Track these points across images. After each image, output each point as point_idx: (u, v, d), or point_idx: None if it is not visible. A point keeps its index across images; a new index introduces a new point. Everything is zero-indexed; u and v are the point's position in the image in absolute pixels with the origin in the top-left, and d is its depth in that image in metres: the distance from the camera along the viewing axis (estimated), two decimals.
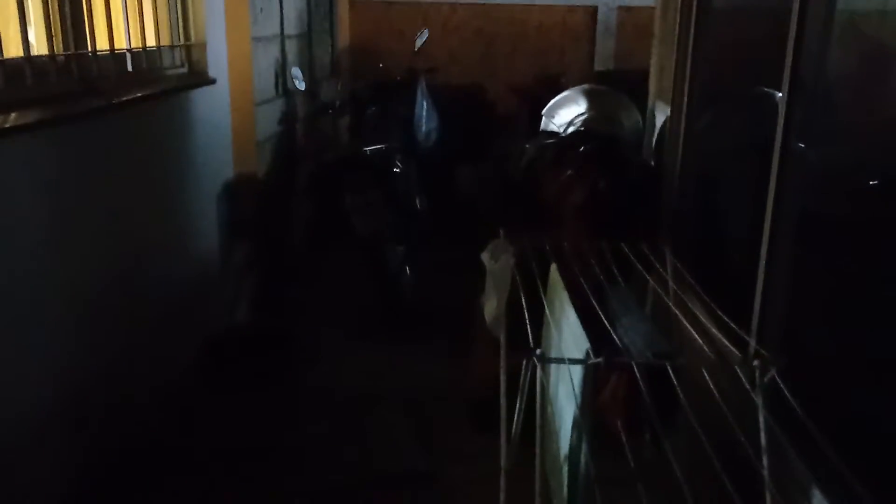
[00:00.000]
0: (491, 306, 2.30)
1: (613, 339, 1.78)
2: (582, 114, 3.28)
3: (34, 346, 2.26)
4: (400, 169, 3.95)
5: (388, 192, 3.96)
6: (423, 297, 4.25)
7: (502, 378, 2.35)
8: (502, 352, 2.38)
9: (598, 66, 6.76)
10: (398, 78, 5.07)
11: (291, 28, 5.11)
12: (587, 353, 1.63)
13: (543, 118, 3.52)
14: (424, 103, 4.97)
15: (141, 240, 2.96)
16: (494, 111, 6.45)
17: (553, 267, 2.28)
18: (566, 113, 3.36)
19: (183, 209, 3.40)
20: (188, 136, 3.39)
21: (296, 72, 4.70)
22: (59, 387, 2.39)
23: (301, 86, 4.69)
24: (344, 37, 6.60)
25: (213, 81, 3.54)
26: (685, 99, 2.94)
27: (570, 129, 3.29)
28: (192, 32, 3.45)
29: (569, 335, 1.87)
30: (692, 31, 2.88)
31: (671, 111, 3.01)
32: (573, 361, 1.62)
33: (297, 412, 3.30)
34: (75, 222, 2.46)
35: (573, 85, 6.20)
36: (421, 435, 3.16)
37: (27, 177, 2.19)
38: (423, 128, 4.96)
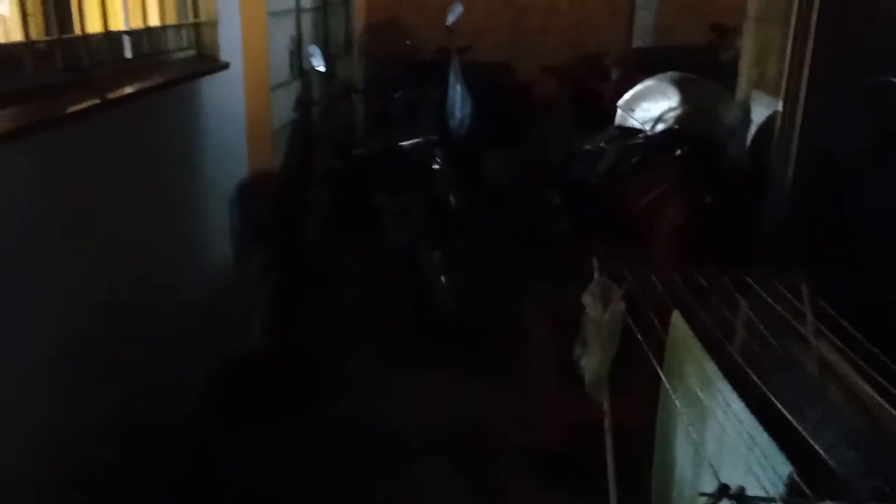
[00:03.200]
0: (592, 364, 1.81)
1: (812, 449, 1.27)
2: (674, 108, 2.74)
3: (14, 393, 1.76)
4: (439, 166, 3.43)
5: (426, 193, 3.44)
6: (463, 307, 3.75)
7: (610, 462, 1.87)
8: (606, 422, 1.90)
9: (636, 43, 6.19)
10: (427, 58, 4.52)
11: (307, 0, 4.55)
12: (791, 481, 1.14)
13: (619, 112, 2.98)
14: (458, 87, 4.43)
15: (143, 256, 2.45)
16: (527, 94, 5.90)
17: (676, 317, 1.78)
18: (652, 107, 2.82)
19: (191, 215, 2.89)
20: (197, 131, 2.86)
21: (313, 50, 4.17)
22: (47, 444, 1.90)
23: (320, 66, 4.16)
24: (359, 9, 6.03)
25: (225, 66, 3.01)
26: (803, 89, 2.42)
27: (660, 127, 2.75)
28: (202, 9, 2.91)
29: (732, 436, 1.38)
30: (816, 4, 2.35)
31: (783, 104, 2.49)
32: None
33: (324, 452, 2.82)
34: (64, 242, 1.95)
35: (616, 66, 5.72)
36: (477, 487, 2.67)
37: None
38: (458, 114, 4.43)
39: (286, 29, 4.16)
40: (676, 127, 2.66)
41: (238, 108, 3.31)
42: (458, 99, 4.41)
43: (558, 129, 5.09)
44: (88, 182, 2.07)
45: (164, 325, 2.59)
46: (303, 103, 4.27)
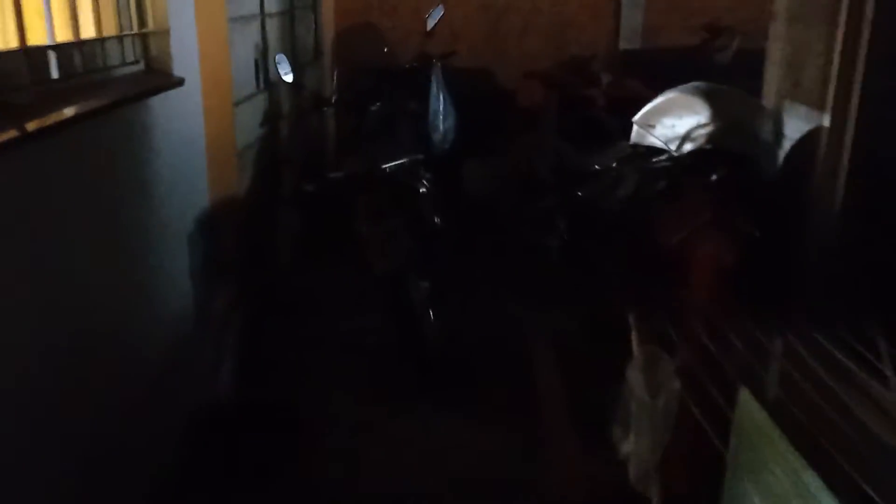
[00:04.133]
0: (641, 452, 1.45)
1: None
2: (703, 124, 2.37)
3: None
4: (426, 189, 3.06)
5: (412, 219, 3.07)
6: (454, 344, 3.38)
7: None
8: None
9: (623, 45, 5.87)
10: (406, 66, 4.13)
11: (272, 4, 4.15)
12: None
13: (635, 128, 2.62)
14: (441, 97, 4.05)
15: (88, 306, 2.04)
16: (511, 102, 5.55)
17: (745, 397, 1.43)
18: (676, 123, 2.47)
19: (145, 255, 2.48)
20: (149, 158, 2.46)
21: (281, 59, 3.77)
22: None
23: (288, 77, 3.77)
24: (329, 13, 5.62)
25: (180, 82, 2.60)
26: (854, 99, 2.09)
27: (688, 147, 2.39)
28: (150, 16, 2.50)
29: None
30: (871, 3, 2.02)
31: (831, 118, 2.15)
32: None
33: None
34: None
35: (605, 70, 5.38)
36: None
37: None
38: (441, 127, 4.05)
39: (249, 36, 3.75)
40: (709, 146, 2.31)
41: (196, 128, 2.91)
42: (441, 110, 4.04)
43: (546, 140, 4.76)
44: (13, 227, 1.66)
45: (116, 384, 2.18)
46: (270, 118, 3.87)
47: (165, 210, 2.59)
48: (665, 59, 5.51)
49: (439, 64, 4.07)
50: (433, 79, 4.02)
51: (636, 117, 2.58)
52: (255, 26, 3.87)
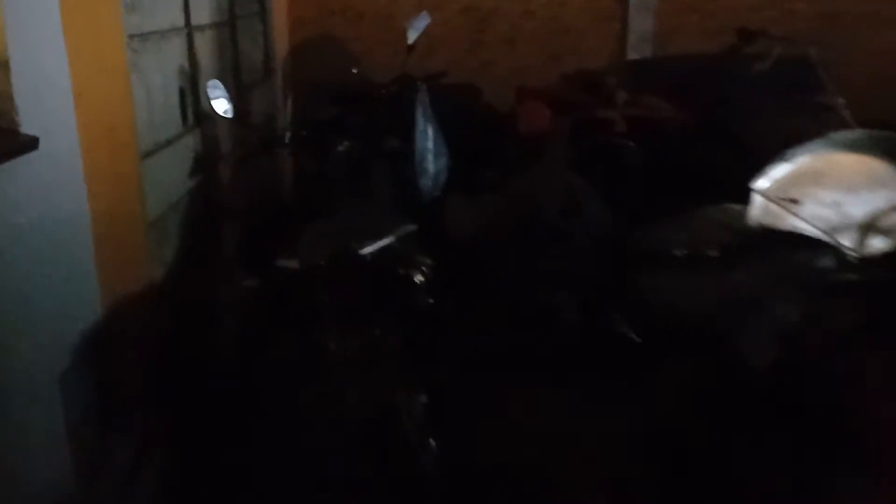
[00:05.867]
0: None
1: None
2: None
3: None
4: (424, 277, 2.10)
5: (404, 321, 2.11)
6: (461, 476, 2.42)
7: None
8: None
9: (631, 53, 4.97)
10: (383, 91, 3.15)
11: (202, 14, 3.16)
12: None
13: (759, 200, 1.67)
14: (429, 130, 3.09)
15: None
16: (499, 124, 4.59)
17: None
18: (850, 201, 1.52)
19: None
20: None
21: (213, 87, 2.79)
22: None
23: (224, 109, 2.79)
24: (280, 21, 4.63)
25: (30, 143, 1.62)
26: None
27: (880, 244, 1.45)
28: None
29: None
30: None
31: None
32: None
33: None
34: None
35: (620, 86, 4.48)
36: None
37: None
38: (431, 169, 3.09)
39: (170, 58, 2.77)
40: None
41: (71, 204, 1.91)
42: (430, 147, 3.08)
43: (555, 174, 3.84)
44: None
45: None
46: (202, 166, 2.88)
47: (26, 330, 1.60)
48: (682, 70, 4.65)
49: (425, 87, 3.10)
50: (418, 107, 3.05)
51: (760, 184, 1.65)
52: (179, 44, 2.89)
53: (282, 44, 4.50)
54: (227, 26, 3.59)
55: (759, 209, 1.70)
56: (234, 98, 3.00)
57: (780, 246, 1.60)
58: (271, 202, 3.31)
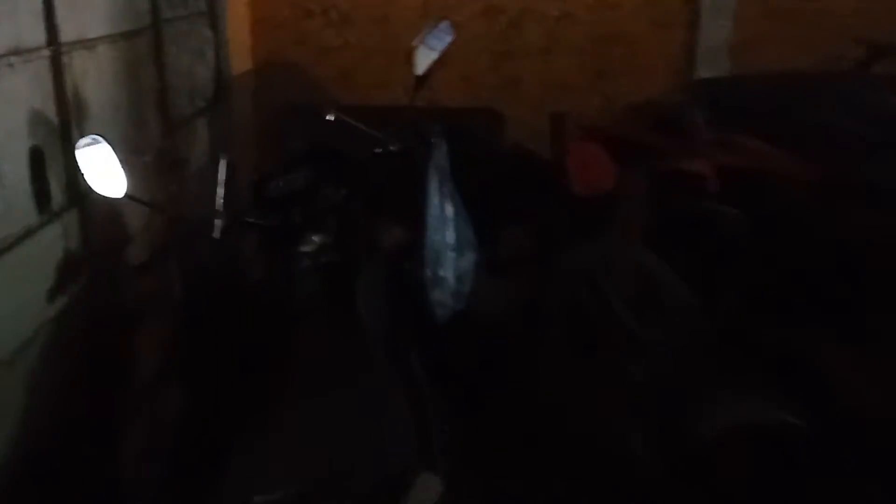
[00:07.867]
0: None
1: None
2: None
3: None
4: None
5: None
6: None
7: None
8: None
9: (702, 71, 3.80)
10: (377, 149, 1.96)
11: (95, 21, 1.99)
12: None
13: None
14: (448, 211, 1.91)
15: None
16: (532, 169, 3.42)
17: None
18: None
19: None
20: None
21: (91, 148, 1.62)
22: None
23: (113, 187, 1.63)
24: (238, 28, 3.42)
25: None
26: None
27: None
28: None
29: None
30: None
31: None
32: None
33: None
34: None
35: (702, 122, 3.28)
36: None
37: None
38: (450, 274, 1.90)
39: (15, 97, 1.59)
40: None
41: None
42: (447, 240, 1.89)
43: (624, 258, 2.79)
44: None
45: None
46: (76, 275, 1.71)
47: None
48: (781, 95, 3.47)
49: (444, 143, 1.91)
50: (431, 175, 1.87)
51: None
52: (33, 74, 1.71)
53: (240, 58, 3.29)
54: (147, 36, 2.41)
55: None
56: (147, 152, 1.83)
57: None
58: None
